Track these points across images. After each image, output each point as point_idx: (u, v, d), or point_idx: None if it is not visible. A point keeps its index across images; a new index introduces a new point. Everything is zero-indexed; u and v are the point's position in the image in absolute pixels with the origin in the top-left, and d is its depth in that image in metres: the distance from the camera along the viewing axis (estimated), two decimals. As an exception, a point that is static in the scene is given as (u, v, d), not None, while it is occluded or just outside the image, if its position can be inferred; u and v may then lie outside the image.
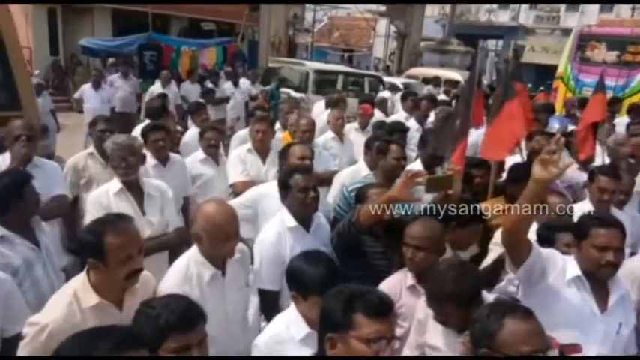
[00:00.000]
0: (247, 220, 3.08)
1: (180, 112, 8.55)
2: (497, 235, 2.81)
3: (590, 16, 40.41)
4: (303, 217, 2.69)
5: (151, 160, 3.83)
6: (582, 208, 3.36)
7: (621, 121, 8.15)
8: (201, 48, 13.70)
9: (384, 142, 3.64)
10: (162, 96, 7.60)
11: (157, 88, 9.08)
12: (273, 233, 2.63)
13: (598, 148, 4.88)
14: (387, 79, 14.48)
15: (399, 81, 14.69)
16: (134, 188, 3.01)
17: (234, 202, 3.07)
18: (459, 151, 3.37)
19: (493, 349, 1.59)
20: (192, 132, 5.10)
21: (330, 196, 3.83)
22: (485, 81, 15.97)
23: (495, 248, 2.98)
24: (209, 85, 9.97)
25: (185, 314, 1.61)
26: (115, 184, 3.02)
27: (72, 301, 1.89)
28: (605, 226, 2.13)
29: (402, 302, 2.36)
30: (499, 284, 2.72)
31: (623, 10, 31.58)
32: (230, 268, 2.33)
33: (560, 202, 2.96)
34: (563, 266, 2.17)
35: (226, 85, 10.02)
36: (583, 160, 4.63)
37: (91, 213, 2.86)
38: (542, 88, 19.64)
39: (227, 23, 18.69)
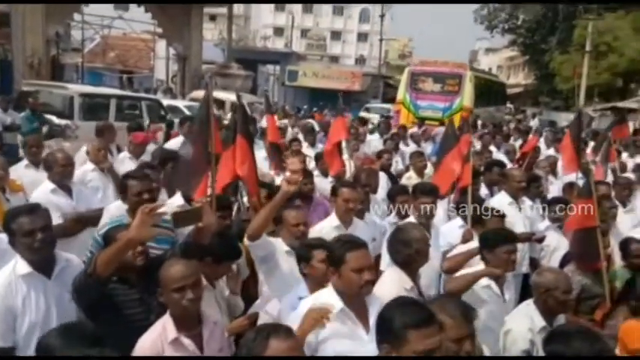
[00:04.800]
0: None
1: None
2: None
3: (350, 44, 46.79)
4: (39, 262, 2.38)
5: None
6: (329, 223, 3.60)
7: (372, 138, 9.57)
8: None
9: None
10: None
11: None
12: (1, 284, 2.34)
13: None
14: (169, 102, 13.92)
15: (182, 104, 14.27)
16: None
17: None
18: (203, 183, 3.17)
19: None
20: None
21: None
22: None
23: None
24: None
25: None
26: None
27: None
28: (356, 248, 2.24)
29: None
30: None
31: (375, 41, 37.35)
32: None
33: (299, 215, 3.15)
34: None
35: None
36: (334, 175, 5.22)
37: None
38: (315, 109, 21.62)
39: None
